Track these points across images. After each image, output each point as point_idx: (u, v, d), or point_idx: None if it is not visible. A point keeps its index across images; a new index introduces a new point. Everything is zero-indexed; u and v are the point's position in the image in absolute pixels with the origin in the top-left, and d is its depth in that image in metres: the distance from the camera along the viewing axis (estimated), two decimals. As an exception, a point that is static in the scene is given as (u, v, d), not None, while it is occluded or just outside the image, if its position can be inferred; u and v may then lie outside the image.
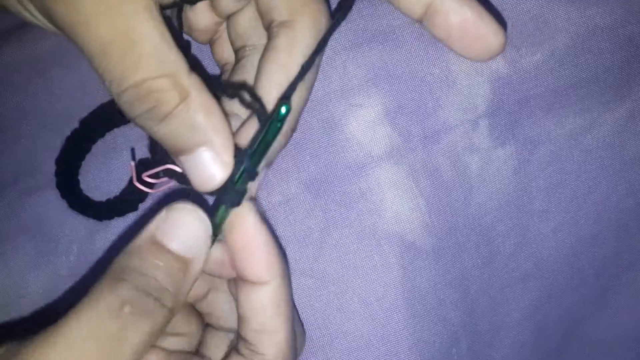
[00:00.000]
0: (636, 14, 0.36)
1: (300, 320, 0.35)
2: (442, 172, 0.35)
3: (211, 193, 0.29)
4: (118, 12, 0.26)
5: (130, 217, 0.37)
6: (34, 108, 0.38)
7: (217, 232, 0.29)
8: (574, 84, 0.36)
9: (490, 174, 0.36)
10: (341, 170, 0.35)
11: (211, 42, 0.36)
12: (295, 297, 0.35)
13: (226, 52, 0.35)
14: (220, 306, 0.33)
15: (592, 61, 0.36)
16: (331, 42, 0.36)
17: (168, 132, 0.28)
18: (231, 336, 0.33)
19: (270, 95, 0.30)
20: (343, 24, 0.36)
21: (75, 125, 0.37)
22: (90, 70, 0.37)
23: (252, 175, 0.29)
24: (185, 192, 0.35)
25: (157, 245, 0.27)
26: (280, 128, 0.28)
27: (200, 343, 0.33)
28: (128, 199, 0.36)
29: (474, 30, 0.32)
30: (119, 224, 0.37)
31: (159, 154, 0.30)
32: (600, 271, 0.39)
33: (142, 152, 0.37)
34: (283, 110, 0.28)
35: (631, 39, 0.36)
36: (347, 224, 0.35)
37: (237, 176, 0.28)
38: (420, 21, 0.33)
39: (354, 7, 0.36)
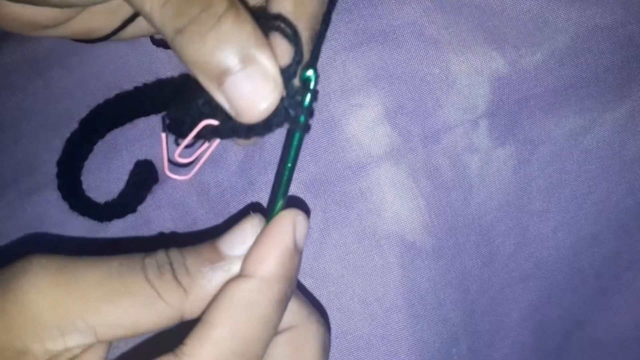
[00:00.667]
0: (636, 14, 0.36)
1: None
2: (442, 172, 0.35)
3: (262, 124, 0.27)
4: None
5: (130, 218, 0.37)
6: (34, 108, 0.38)
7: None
8: (574, 84, 0.36)
9: (490, 174, 0.36)
10: (341, 170, 0.35)
11: None
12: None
13: None
14: None
15: (592, 61, 0.36)
16: (331, 42, 0.36)
17: (214, 47, 0.25)
18: None
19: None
20: (343, 24, 0.36)
21: (75, 125, 0.37)
22: (91, 70, 0.38)
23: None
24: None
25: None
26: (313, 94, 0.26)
27: None
28: (127, 201, 0.36)
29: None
30: (119, 225, 0.37)
31: (191, 111, 0.28)
32: (600, 271, 0.39)
33: (142, 153, 0.37)
34: (309, 72, 0.26)
35: (631, 38, 0.36)
36: (347, 224, 0.35)
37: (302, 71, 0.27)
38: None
39: (353, 7, 0.36)
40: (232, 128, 0.28)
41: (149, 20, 0.26)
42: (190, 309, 0.27)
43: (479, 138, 0.36)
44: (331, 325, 0.35)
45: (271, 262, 0.27)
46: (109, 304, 0.25)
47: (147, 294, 0.26)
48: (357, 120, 0.35)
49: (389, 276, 0.35)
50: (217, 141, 0.30)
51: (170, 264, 0.27)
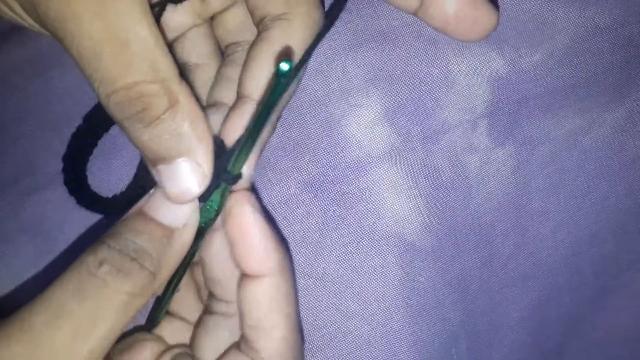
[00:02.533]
0: (635, 14, 0.36)
1: (301, 329, 0.35)
2: (441, 172, 0.35)
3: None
4: (112, 9, 0.26)
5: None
6: (33, 108, 0.38)
7: (213, 213, 0.29)
8: (573, 84, 0.36)
9: (490, 174, 0.36)
10: (340, 171, 0.35)
11: (173, 41, 0.35)
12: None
13: (194, 54, 0.34)
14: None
15: (591, 61, 0.36)
16: (330, 43, 0.36)
17: (152, 138, 0.27)
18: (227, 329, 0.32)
19: (260, 83, 0.30)
20: (342, 24, 0.36)
21: (75, 125, 0.37)
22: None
23: (247, 153, 0.28)
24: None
25: (143, 215, 0.27)
26: (283, 87, 0.26)
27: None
28: (134, 194, 0.36)
29: (469, 15, 0.32)
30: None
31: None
32: (600, 271, 0.39)
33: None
34: (285, 67, 0.25)
35: (630, 39, 0.36)
36: (347, 224, 0.35)
37: (234, 155, 0.28)
38: (415, 14, 0.33)
39: (353, 8, 0.36)
40: None
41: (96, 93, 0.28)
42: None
43: (478, 138, 0.36)
44: (330, 326, 0.35)
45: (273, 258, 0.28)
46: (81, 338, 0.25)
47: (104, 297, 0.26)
48: (356, 121, 0.35)
49: (388, 276, 0.35)
50: None
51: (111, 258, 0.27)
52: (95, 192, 0.37)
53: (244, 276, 0.29)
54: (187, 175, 0.27)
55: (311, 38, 0.30)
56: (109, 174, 0.37)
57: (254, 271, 0.28)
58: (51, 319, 0.25)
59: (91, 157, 0.37)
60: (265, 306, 0.28)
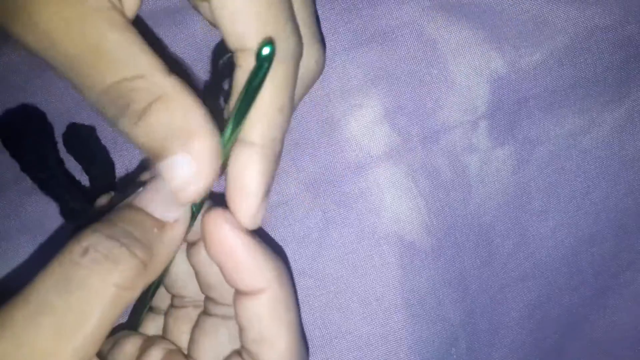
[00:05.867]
0: (635, 14, 0.36)
1: (303, 332, 0.34)
2: (441, 172, 0.36)
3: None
4: (81, 26, 0.25)
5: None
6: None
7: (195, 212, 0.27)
8: (573, 84, 0.36)
9: (490, 174, 0.36)
10: (340, 171, 0.35)
11: None
12: (295, 296, 0.35)
13: None
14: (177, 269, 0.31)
15: (591, 61, 0.36)
16: (330, 43, 0.36)
17: (144, 134, 0.25)
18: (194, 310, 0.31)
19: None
20: (342, 24, 0.36)
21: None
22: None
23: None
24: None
25: (134, 207, 0.25)
26: (265, 71, 0.25)
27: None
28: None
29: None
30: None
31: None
32: (600, 271, 0.39)
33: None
34: (266, 50, 0.23)
35: (630, 39, 0.36)
36: (347, 224, 0.35)
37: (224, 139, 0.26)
38: None
39: (353, 8, 0.36)
40: None
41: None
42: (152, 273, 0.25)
43: (478, 138, 0.36)
44: (331, 325, 0.36)
45: (267, 271, 0.27)
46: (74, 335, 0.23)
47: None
48: (356, 121, 0.35)
49: (388, 276, 0.35)
50: None
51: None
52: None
53: (242, 294, 0.27)
54: (184, 171, 0.25)
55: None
56: (109, 174, 0.37)
57: (249, 289, 0.27)
58: (32, 314, 0.22)
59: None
60: (267, 320, 0.27)
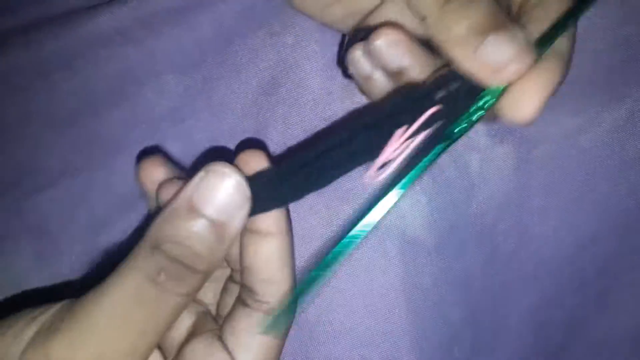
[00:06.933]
0: (633, 15, 0.36)
1: None
2: (443, 170, 0.36)
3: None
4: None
5: (131, 218, 0.37)
6: (36, 109, 0.38)
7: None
8: (571, 83, 0.36)
9: (491, 172, 0.36)
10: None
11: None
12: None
13: None
14: None
15: (589, 61, 0.36)
16: (333, 43, 0.36)
17: (464, 20, 0.26)
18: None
19: None
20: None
21: (78, 126, 0.37)
22: (94, 72, 0.38)
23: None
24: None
25: (193, 210, 0.26)
26: None
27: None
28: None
29: None
30: (122, 225, 0.37)
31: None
32: (602, 271, 0.39)
33: (145, 154, 0.37)
34: None
35: (628, 39, 0.36)
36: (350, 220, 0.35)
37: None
38: None
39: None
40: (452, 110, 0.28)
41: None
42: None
43: (477, 136, 0.36)
44: (335, 322, 0.36)
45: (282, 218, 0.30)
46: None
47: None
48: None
49: (391, 273, 0.35)
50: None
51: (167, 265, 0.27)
52: None
53: (250, 234, 0.30)
54: (506, 50, 0.26)
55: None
56: (111, 174, 0.37)
57: (266, 228, 0.29)
58: (117, 324, 0.26)
59: (92, 156, 0.37)
60: (277, 262, 0.30)
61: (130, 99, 0.37)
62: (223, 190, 0.27)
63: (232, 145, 0.37)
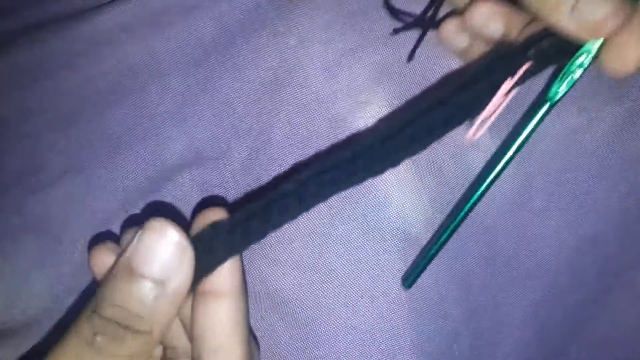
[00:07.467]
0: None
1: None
2: (445, 169, 0.36)
3: None
4: None
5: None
6: (39, 108, 0.38)
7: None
8: None
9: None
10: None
11: None
12: (301, 291, 0.35)
13: None
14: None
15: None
16: (337, 44, 0.36)
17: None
18: None
19: None
20: (348, 26, 0.37)
21: (80, 125, 0.37)
22: (97, 70, 0.38)
23: None
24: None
25: (131, 271, 0.26)
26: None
27: None
28: None
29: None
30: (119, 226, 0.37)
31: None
32: (603, 270, 0.39)
33: (147, 152, 0.37)
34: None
35: None
36: (352, 219, 0.36)
37: None
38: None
39: (358, 11, 0.37)
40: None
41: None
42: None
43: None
44: (336, 320, 0.36)
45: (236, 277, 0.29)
46: None
47: None
48: (363, 118, 0.36)
49: (392, 271, 0.36)
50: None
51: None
52: None
53: (205, 296, 0.29)
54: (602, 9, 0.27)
55: None
56: (113, 172, 0.37)
57: (217, 288, 0.28)
58: None
59: (93, 156, 0.37)
60: (228, 327, 0.28)
61: (132, 98, 0.37)
62: (161, 248, 0.26)
63: (232, 145, 0.37)
